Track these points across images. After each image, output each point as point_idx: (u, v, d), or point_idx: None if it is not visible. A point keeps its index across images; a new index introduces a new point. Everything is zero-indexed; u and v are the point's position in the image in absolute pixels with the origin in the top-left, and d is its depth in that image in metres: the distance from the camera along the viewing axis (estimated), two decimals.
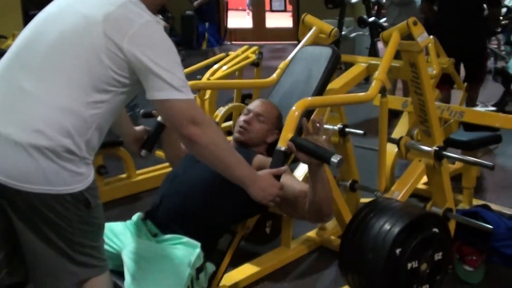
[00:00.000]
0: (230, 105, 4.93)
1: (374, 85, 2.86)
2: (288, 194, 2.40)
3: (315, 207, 2.35)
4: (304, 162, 2.29)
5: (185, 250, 2.31)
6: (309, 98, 2.69)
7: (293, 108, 2.47)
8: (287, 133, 2.34)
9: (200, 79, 4.75)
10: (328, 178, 2.37)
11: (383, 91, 2.96)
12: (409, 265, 2.58)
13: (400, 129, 4.05)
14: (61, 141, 1.85)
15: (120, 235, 2.44)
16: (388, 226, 2.60)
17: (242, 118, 2.75)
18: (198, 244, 2.35)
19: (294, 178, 2.51)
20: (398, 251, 2.56)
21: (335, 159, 2.16)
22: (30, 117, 1.86)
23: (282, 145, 2.31)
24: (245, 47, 5.40)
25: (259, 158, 2.57)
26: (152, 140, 2.59)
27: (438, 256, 2.70)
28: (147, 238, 2.41)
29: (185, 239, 2.35)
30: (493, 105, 6.23)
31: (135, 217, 2.55)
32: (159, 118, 2.57)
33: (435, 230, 2.70)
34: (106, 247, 2.37)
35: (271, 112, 2.77)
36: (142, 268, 2.23)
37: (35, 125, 1.84)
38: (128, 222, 2.54)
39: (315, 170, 2.26)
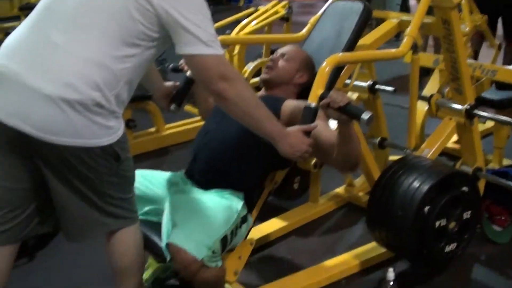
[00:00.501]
0: (259, 60, 4.91)
1: (406, 42, 2.82)
2: (319, 141, 2.38)
3: (343, 159, 2.34)
4: (333, 119, 2.27)
5: (232, 199, 2.38)
6: (340, 54, 2.66)
7: (324, 64, 2.45)
8: (318, 89, 2.32)
9: (229, 34, 4.72)
10: (356, 134, 2.36)
11: (414, 47, 2.91)
12: (437, 223, 2.59)
13: (431, 87, 4.00)
14: (91, 95, 1.87)
15: (163, 185, 2.51)
16: (417, 184, 2.59)
17: (269, 59, 2.76)
18: (241, 195, 2.43)
19: (328, 125, 2.50)
20: (426, 209, 2.56)
21: (365, 116, 2.15)
22: (61, 71, 1.87)
23: (312, 102, 2.29)
24: (274, 1, 5.33)
25: (289, 103, 2.53)
26: (181, 95, 2.59)
27: (466, 214, 2.70)
28: (195, 188, 2.47)
29: (230, 191, 2.42)
30: None
31: (179, 172, 2.61)
32: (188, 73, 2.57)
33: (465, 188, 2.69)
34: (146, 193, 2.46)
35: (298, 52, 2.75)
36: (190, 209, 2.30)
37: (66, 79, 1.86)
38: (170, 174, 2.60)
39: (345, 126, 2.26)
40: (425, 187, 2.57)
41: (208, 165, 2.51)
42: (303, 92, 2.61)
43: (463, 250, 2.79)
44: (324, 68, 2.42)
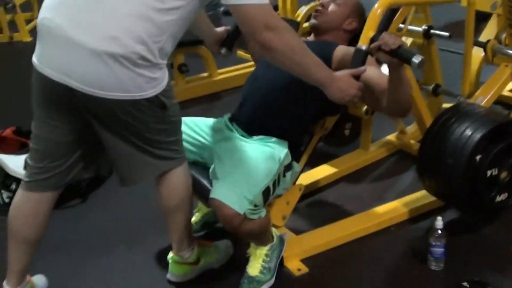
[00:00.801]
0: (312, 4, 4.82)
1: None
2: (370, 85, 2.36)
3: (394, 104, 2.31)
4: (384, 62, 2.23)
5: (275, 148, 2.37)
6: None
7: (376, 5, 2.39)
8: (368, 31, 2.28)
9: None
10: (408, 78, 2.32)
11: None
12: (489, 173, 2.54)
13: (488, 32, 3.87)
14: (135, 48, 1.87)
15: (214, 132, 2.53)
16: (469, 132, 2.54)
17: (319, 2, 2.71)
18: (286, 143, 2.41)
19: (379, 70, 2.46)
20: (478, 157, 2.52)
21: (416, 59, 2.10)
22: (105, 25, 1.87)
23: (362, 44, 2.25)
24: None
25: (341, 48, 2.50)
26: (232, 39, 2.59)
27: None
28: (238, 137, 2.47)
29: (274, 138, 2.41)
30: None
31: (224, 118, 2.61)
32: None
33: None
34: (196, 138, 2.50)
35: None
36: (235, 159, 2.32)
37: (110, 33, 1.86)
38: (217, 120, 2.61)
39: (395, 70, 2.21)
40: (478, 136, 2.52)
41: (255, 111, 2.50)
42: (354, 40, 2.57)
43: None
44: (376, 10, 2.36)
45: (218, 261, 2.57)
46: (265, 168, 2.27)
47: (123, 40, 1.86)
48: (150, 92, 1.96)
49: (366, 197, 3.14)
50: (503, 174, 2.60)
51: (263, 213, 2.26)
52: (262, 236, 2.39)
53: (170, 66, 4.55)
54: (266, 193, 2.25)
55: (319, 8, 2.66)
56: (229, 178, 2.24)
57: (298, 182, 2.67)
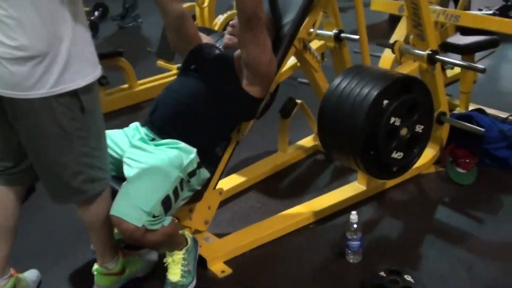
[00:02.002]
0: (229, 12, 4.91)
1: None
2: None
3: (241, 4, 2.39)
4: None
5: (179, 154, 2.38)
6: None
7: None
8: None
9: None
10: None
11: None
12: (392, 120, 2.59)
13: (398, 34, 4.03)
14: (39, 49, 1.89)
15: (119, 142, 2.53)
16: (380, 77, 2.62)
17: (230, 23, 2.78)
18: (194, 150, 2.43)
19: None
20: (385, 102, 2.57)
21: None
22: (14, 32, 1.88)
23: None
24: None
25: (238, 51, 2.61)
26: None
27: (419, 128, 2.71)
28: (144, 142, 2.49)
29: (182, 144, 2.43)
30: (497, 10, 6.14)
31: (133, 124, 2.63)
32: None
33: (423, 100, 2.71)
34: (109, 153, 2.47)
35: None
36: (136, 170, 2.33)
37: (19, 40, 1.87)
38: (126, 129, 2.62)
39: None
40: (389, 80, 2.59)
41: (167, 117, 2.54)
42: None
43: (410, 166, 2.85)
44: None
45: (143, 270, 2.59)
46: (163, 178, 2.29)
47: (32, 44, 1.89)
48: (61, 89, 1.97)
49: (285, 198, 3.21)
50: (404, 130, 2.65)
51: (166, 221, 2.27)
52: (172, 242, 2.40)
53: None
54: (166, 202, 2.26)
55: (230, 30, 2.73)
56: (126, 191, 2.24)
57: (218, 187, 2.72)
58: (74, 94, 1.99)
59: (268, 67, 2.56)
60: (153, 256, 2.65)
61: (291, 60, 3.30)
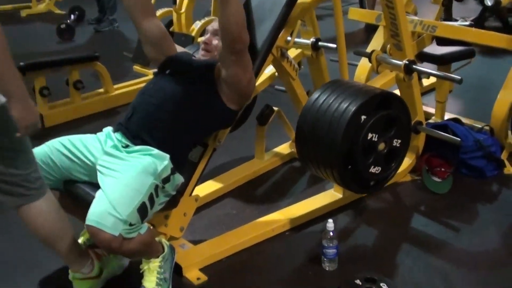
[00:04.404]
0: (206, 18, 4.91)
1: None
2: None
3: (226, 27, 2.38)
4: None
5: (152, 161, 2.35)
6: None
7: None
8: None
9: None
10: (237, 3, 2.39)
11: None
12: (369, 135, 2.62)
13: (375, 43, 4.07)
14: None
15: (92, 148, 2.49)
16: (357, 94, 2.64)
17: (202, 39, 2.76)
18: (167, 156, 2.40)
19: None
20: (363, 117, 2.60)
21: None
22: None
23: None
24: None
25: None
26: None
27: (396, 142, 2.75)
28: (117, 149, 2.45)
29: (155, 150, 2.40)
30: (472, 21, 6.22)
31: (105, 129, 2.59)
32: None
33: (400, 115, 2.75)
34: (80, 158, 2.45)
35: None
36: (110, 178, 2.29)
37: None
38: (99, 134, 2.57)
39: None
40: (366, 96, 2.62)
41: (142, 122, 2.51)
42: None
43: (388, 179, 2.90)
44: None
45: (120, 266, 2.58)
46: (138, 185, 2.26)
47: None
48: None
49: (261, 205, 3.21)
50: (381, 145, 2.70)
51: (143, 229, 2.25)
52: (148, 251, 2.37)
53: (65, 83, 4.50)
54: (142, 209, 2.23)
55: (204, 47, 2.71)
56: (101, 200, 2.21)
57: (194, 193, 2.71)
58: None
59: (248, 87, 2.57)
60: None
61: (270, 70, 3.31)
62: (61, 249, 2.34)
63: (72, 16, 7.45)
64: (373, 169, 2.71)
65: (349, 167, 2.66)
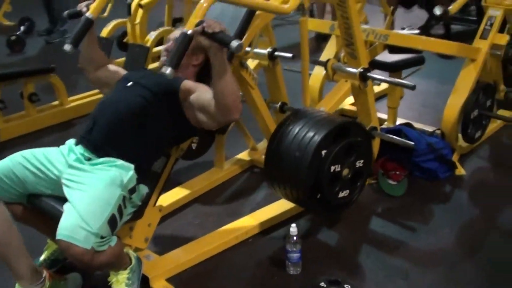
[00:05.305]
0: (161, 29, 4.94)
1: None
2: (200, 101, 2.48)
3: (220, 99, 2.38)
4: (205, 46, 2.32)
5: (118, 172, 2.36)
6: None
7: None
8: (195, 18, 2.35)
9: (130, 2, 4.72)
10: (231, 72, 2.39)
11: (302, 9, 3.08)
12: (332, 168, 2.75)
13: (328, 52, 4.16)
14: None
15: (55, 162, 2.48)
16: (315, 129, 2.75)
17: (163, 48, 2.75)
18: (132, 166, 2.41)
19: (207, 88, 2.53)
20: (323, 152, 2.72)
21: (235, 43, 2.23)
22: None
23: (188, 29, 2.32)
24: None
25: (187, 83, 2.59)
26: (79, 35, 2.63)
27: (359, 163, 2.88)
28: (80, 163, 2.45)
29: (119, 162, 2.40)
30: (418, 28, 6.39)
31: (68, 142, 2.58)
32: (87, 14, 2.64)
33: (358, 138, 2.87)
34: (44, 172, 2.45)
35: None
36: (77, 191, 2.30)
37: None
38: (62, 147, 2.56)
39: (216, 55, 2.31)
40: (324, 132, 2.72)
41: (103, 134, 2.49)
42: (202, 70, 2.69)
43: (356, 197, 2.99)
44: (203, 4, 2.40)
45: None
46: (107, 197, 2.27)
47: None
48: None
49: (223, 214, 3.25)
50: (345, 171, 2.82)
51: (113, 241, 2.27)
52: (117, 262, 2.39)
53: (20, 95, 4.45)
54: (112, 221, 2.25)
55: (165, 53, 2.69)
56: (71, 214, 2.21)
57: (158, 203, 2.73)
58: None
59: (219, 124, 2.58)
60: (78, 281, 2.65)
61: None
62: (12, 265, 2.34)
63: (22, 28, 7.35)
64: (341, 194, 2.85)
65: (318, 196, 2.78)
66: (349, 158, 2.83)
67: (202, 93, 2.50)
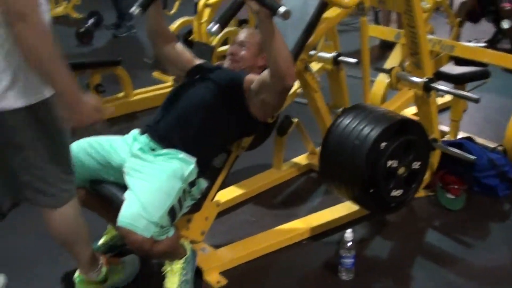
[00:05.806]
0: (226, 30, 4.98)
1: None
2: (260, 80, 2.53)
3: (273, 66, 2.40)
4: (253, 11, 2.30)
5: (179, 165, 2.42)
6: None
7: None
8: None
9: (197, 1, 4.78)
10: (281, 37, 2.37)
11: (362, 9, 3.08)
12: (389, 162, 2.70)
13: (393, 60, 4.15)
14: None
15: (119, 150, 2.56)
16: (377, 121, 2.72)
17: (229, 50, 2.84)
18: (193, 160, 2.47)
19: (267, 72, 2.53)
20: (383, 144, 2.68)
21: (282, 9, 2.23)
22: None
23: None
24: None
25: (251, 75, 2.65)
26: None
27: (416, 165, 2.82)
28: (144, 152, 2.52)
29: (182, 154, 2.46)
30: (485, 42, 6.29)
31: (132, 132, 2.66)
32: None
33: (418, 138, 2.83)
34: (108, 160, 2.53)
35: (254, 37, 2.80)
36: (139, 180, 2.37)
37: None
38: (126, 136, 2.64)
39: (263, 21, 2.31)
40: (385, 124, 2.69)
41: (171, 126, 2.56)
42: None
43: (409, 200, 2.94)
44: None
45: (124, 280, 2.64)
46: (168, 189, 2.33)
47: None
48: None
49: (278, 214, 3.28)
50: (401, 169, 2.77)
51: (171, 232, 2.33)
52: (174, 253, 2.45)
53: (86, 86, 4.57)
54: (172, 212, 2.31)
55: (230, 57, 2.78)
56: (133, 202, 2.28)
57: (216, 199, 2.78)
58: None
59: (278, 108, 2.67)
60: (136, 263, 2.71)
61: (293, 88, 3.37)
62: (75, 252, 2.41)
63: (91, 21, 7.53)
64: (394, 193, 2.80)
65: (371, 190, 2.74)
66: (407, 157, 2.77)
67: (261, 75, 2.55)
